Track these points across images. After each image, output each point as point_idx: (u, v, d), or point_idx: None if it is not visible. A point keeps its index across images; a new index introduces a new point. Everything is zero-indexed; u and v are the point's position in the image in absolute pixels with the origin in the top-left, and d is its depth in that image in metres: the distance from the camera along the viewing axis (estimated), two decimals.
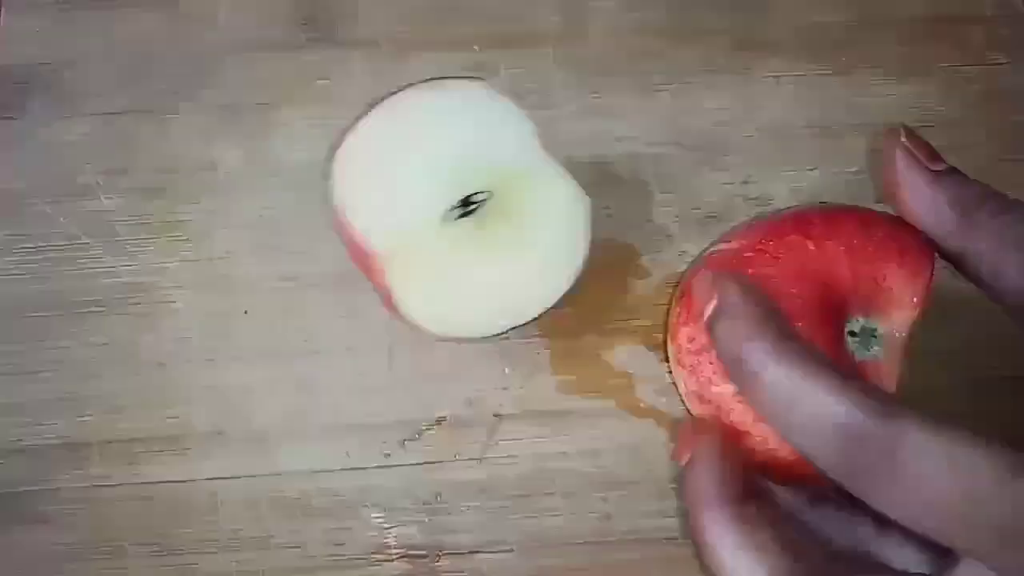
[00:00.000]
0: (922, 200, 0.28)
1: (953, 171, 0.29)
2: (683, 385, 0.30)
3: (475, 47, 0.42)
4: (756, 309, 0.25)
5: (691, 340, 0.29)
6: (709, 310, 0.26)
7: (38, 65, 0.42)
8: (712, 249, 0.31)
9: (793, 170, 0.40)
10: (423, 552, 0.35)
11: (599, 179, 0.40)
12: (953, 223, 0.28)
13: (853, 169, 0.40)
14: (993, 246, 0.28)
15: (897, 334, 0.29)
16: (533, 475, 0.36)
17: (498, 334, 0.34)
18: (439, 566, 0.35)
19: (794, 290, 0.28)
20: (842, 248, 0.29)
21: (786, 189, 0.40)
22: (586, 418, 0.37)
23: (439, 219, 0.33)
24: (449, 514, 0.35)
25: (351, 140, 0.33)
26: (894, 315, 0.29)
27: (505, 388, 0.37)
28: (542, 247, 0.34)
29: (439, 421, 0.37)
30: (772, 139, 0.41)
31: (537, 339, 0.38)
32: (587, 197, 0.34)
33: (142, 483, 0.36)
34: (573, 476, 0.36)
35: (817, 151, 0.41)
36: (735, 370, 0.25)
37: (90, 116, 0.41)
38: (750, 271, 0.29)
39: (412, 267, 0.33)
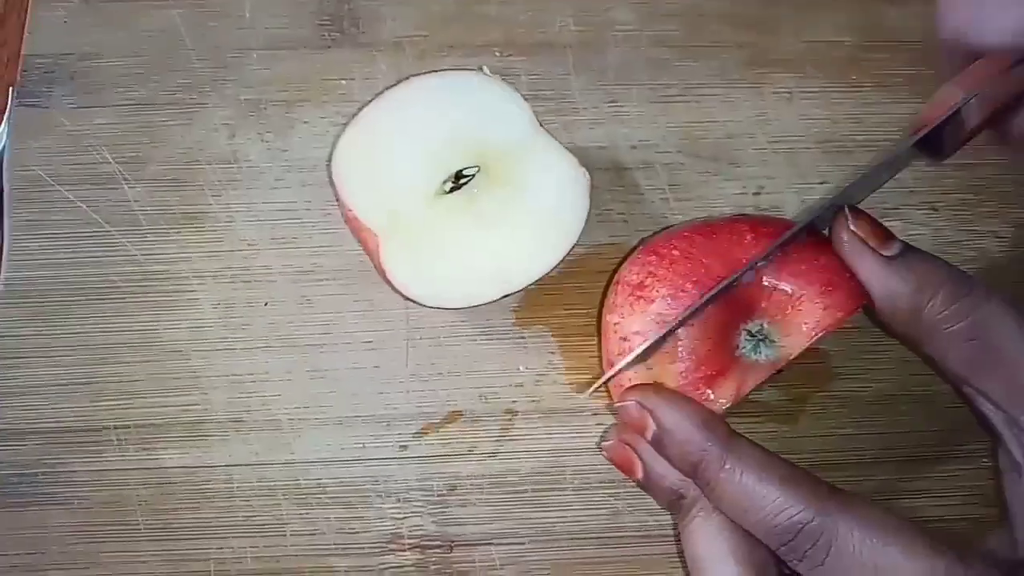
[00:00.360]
0: (875, 284, 0.30)
1: (906, 251, 0.30)
2: (606, 357, 0.33)
3: (496, 52, 0.43)
4: (694, 422, 0.29)
5: (616, 324, 0.33)
6: (649, 435, 0.29)
7: (64, 55, 0.42)
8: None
9: (803, 183, 0.41)
10: (436, 542, 0.35)
11: (614, 185, 0.41)
12: (906, 311, 0.30)
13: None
14: (940, 338, 0.29)
15: (788, 351, 0.30)
16: (545, 470, 0.37)
17: (493, 301, 0.35)
18: (451, 557, 0.35)
19: (707, 262, 0.31)
20: (779, 252, 0.30)
21: (796, 200, 0.41)
22: (598, 415, 0.37)
23: (432, 195, 0.35)
24: (462, 506, 0.36)
25: (352, 128, 0.35)
26: (792, 336, 0.30)
27: (519, 384, 0.38)
28: (534, 218, 0.35)
29: (454, 415, 0.37)
30: (783, 152, 0.42)
31: (552, 338, 0.38)
32: (585, 171, 0.35)
33: (158, 468, 0.36)
34: (584, 472, 0.37)
35: (826, 165, 0.42)
36: (694, 478, 0.29)
37: (115, 107, 0.42)
38: (675, 250, 0.32)
39: (405, 241, 0.34)
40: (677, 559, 0.36)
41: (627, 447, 0.31)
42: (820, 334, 0.30)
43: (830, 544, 0.27)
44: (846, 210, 0.31)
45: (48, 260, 0.39)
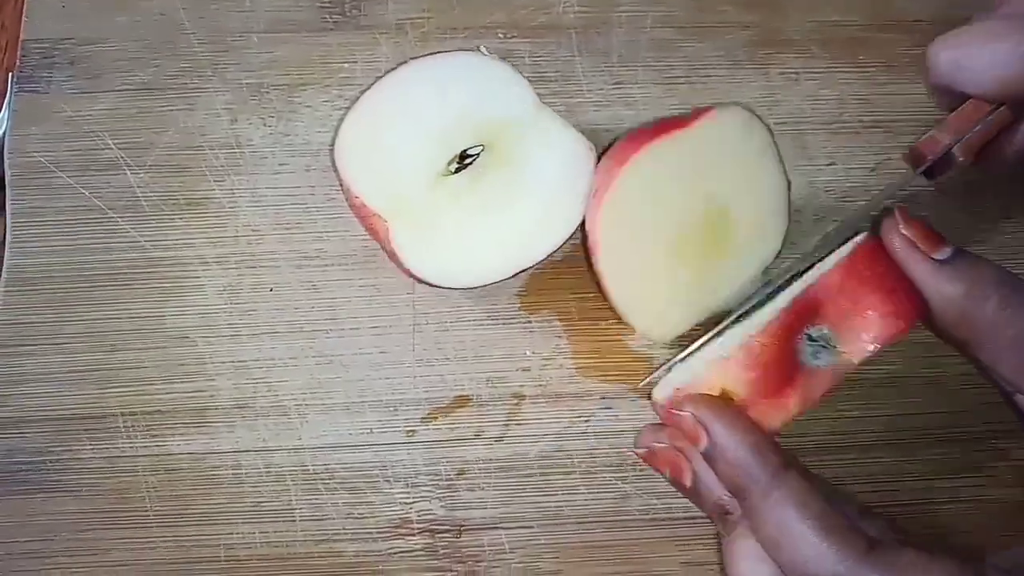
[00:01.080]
0: (927, 288, 0.29)
1: (958, 255, 0.29)
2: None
3: (499, 34, 0.43)
4: (748, 445, 0.28)
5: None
6: (702, 447, 0.28)
7: (64, 40, 0.42)
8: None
9: (811, 165, 0.41)
10: (445, 527, 0.36)
11: None
12: (958, 316, 0.29)
13: (869, 165, 0.41)
14: (992, 344, 0.29)
15: (850, 359, 0.30)
16: (552, 454, 0.37)
17: (505, 279, 0.35)
18: (460, 541, 0.35)
19: None
20: (848, 258, 0.30)
21: (804, 182, 0.41)
22: (605, 400, 0.37)
23: (437, 176, 0.35)
24: (470, 490, 0.36)
25: (353, 113, 0.35)
26: (854, 343, 0.30)
27: (527, 369, 0.38)
28: (541, 193, 0.35)
29: (461, 399, 0.37)
30: (790, 134, 0.42)
31: (559, 323, 0.38)
32: (591, 144, 0.35)
33: (166, 454, 0.36)
34: (591, 456, 0.37)
35: (834, 147, 0.41)
36: (739, 501, 0.28)
37: (116, 91, 0.41)
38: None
39: (413, 223, 0.34)
40: (683, 542, 0.36)
41: (679, 453, 0.30)
42: (882, 344, 0.30)
43: None
44: (896, 213, 0.30)
45: (51, 247, 0.39)
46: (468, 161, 0.35)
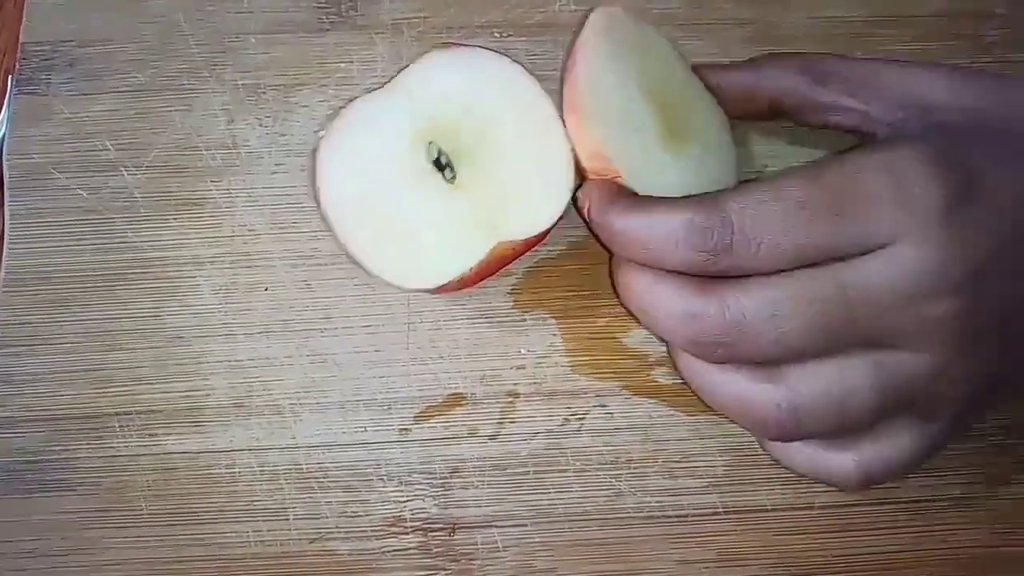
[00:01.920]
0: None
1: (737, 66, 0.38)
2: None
3: (496, 33, 0.43)
4: (610, 188, 0.32)
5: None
6: (586, 207, 0.33)
7: (63, 42, 0.42)
8: None
9: (807, 161, 0.41)
10: (438, 525, 0.36)
11: None
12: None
13: None
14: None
15: None
16: (546, 452, 0.37)
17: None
18: (454, 539, 0.35)
19: None
20: None
21: None
22: (599, 397, 0.37)
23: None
24: (464, 489, 0.36)
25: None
26: None
27: (521, 367, 0.38)
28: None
29: (455, 398, 0.37)
30: (787, 131, 0.41)
31: (553, 321, 0.38)
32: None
33: (161, 453, 0.36)
34: (585, 454, 0.37)
35: (833, 143, 0.41)
36: (603, 234, 0.32)
37: (113, 93, 0.42)
38: None
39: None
40: (678, 539, 0.36)
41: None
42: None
43: (729, 218, 0.29)
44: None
45: (49, 248, 0.39)
46: (445, 163, 0.36)
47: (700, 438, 0.37)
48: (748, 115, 0.37)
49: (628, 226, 0.31)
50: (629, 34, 0.36)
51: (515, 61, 0.37)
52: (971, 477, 0.37)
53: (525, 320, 0.38)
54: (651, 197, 0.32)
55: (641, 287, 0.31)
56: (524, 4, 0.43)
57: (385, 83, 0.37)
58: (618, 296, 0.33)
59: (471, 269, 0.34)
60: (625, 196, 0.32)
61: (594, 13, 0.36)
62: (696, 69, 0.37)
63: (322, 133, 0.36)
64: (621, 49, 0.35)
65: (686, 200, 0.30)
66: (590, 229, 0.33)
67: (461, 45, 0.37)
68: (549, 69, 0.42)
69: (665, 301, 0.30)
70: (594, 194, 0.33)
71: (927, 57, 0.42)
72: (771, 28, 0.43)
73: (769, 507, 0.36)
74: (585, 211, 0.33)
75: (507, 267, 0.38)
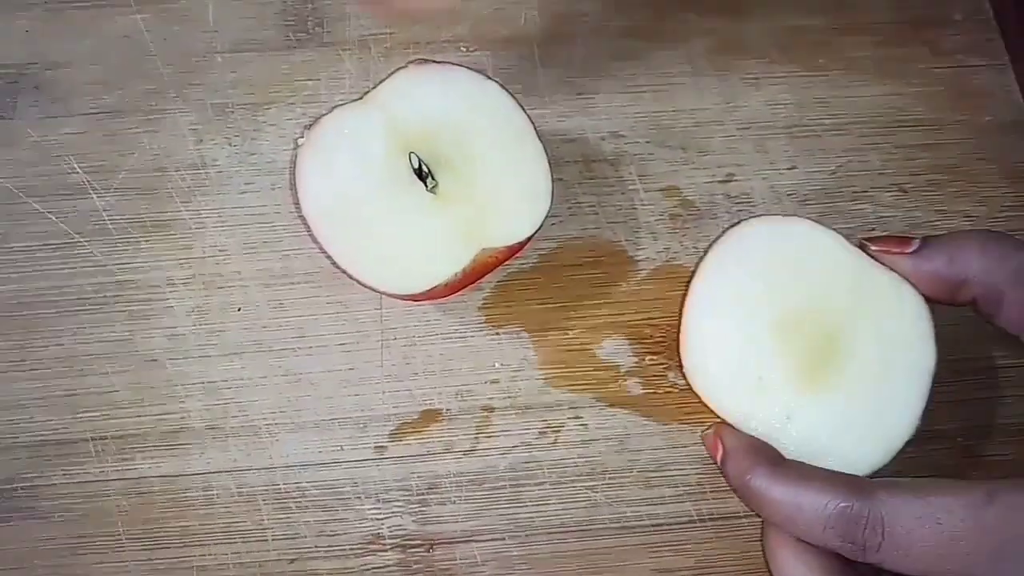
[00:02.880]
0: (914, 276, 0.33)
1: (927, 239, 0.33)
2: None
3: (462, 47, 0.43)
4: (750, 445, 0.32)
5: None
6: (719, 456, 0.32)
7: (28, 65, 0.42)
8: None
9: (772, 169, 0.42)
10: (417, 542, 0.36)
11: (584, 178, 0.41)
12: (952, 284, 0.32)
13: (830, 168, 0.41)
14: (992, 291, 0.32)
15: None
16: (523, 466, 0.37)
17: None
18: (432, 555, 0.36)
19: None
20: None
21: (766, 187, 0.41)
22: (574, 410, 0.38)
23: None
24: (441, 504, 0.36)
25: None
26: None
27: (495, 381, 0.38)
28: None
29: (430, 414, 0.37)
30: (752, 139, 0.42)
31: (526, 335, 0.39)
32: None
33: (137, 477, 0.36)
34: (561, 466, 0.37)
35: (795, 150, 0.42)
36: (744, 496, 0.31)
37: (80, 115, 0.41)
38: None
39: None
40: (654, 549, 0.36)
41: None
42: None
43: (880, 518, 0.28)
44: (865, 243, 0.34)
45: (19, 273, 0.39)
46: (426, 173, 0.36)
47: (674, 447, 0.37)
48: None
49: (773, 498, 0.30)
50: (766, 251, 0.34)
51: (489, 77, 0.37)
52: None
53: (498, 334, 0.38)
54: (798, 466, 0.31)
55: (786, 559, 0.31)
56: (490, 18, 0.44)
57: (355, 99, 0.37)
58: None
59: (455, 275, 0.35)
60: (767, 458, 0.31)
61: (716, 248, 0.34)
62: (879, 255, 0.33)
63: (301, 140, 0.36)
64: (742, 278, 0.33)
65: (836, 481, 0.29)
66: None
67: (434, 61, 0.37)
68: (515, 82, 0.42)
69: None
70: (731, 449, 0.32)
71: (885, 63, 0.43)
72: (733, 38, 0.44)
73: (743, 514, 0.37)
74: (717, 460, 0.32)
75: (484, 277, 0.38)
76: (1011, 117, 0.43)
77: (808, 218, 0.34)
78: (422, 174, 0.36)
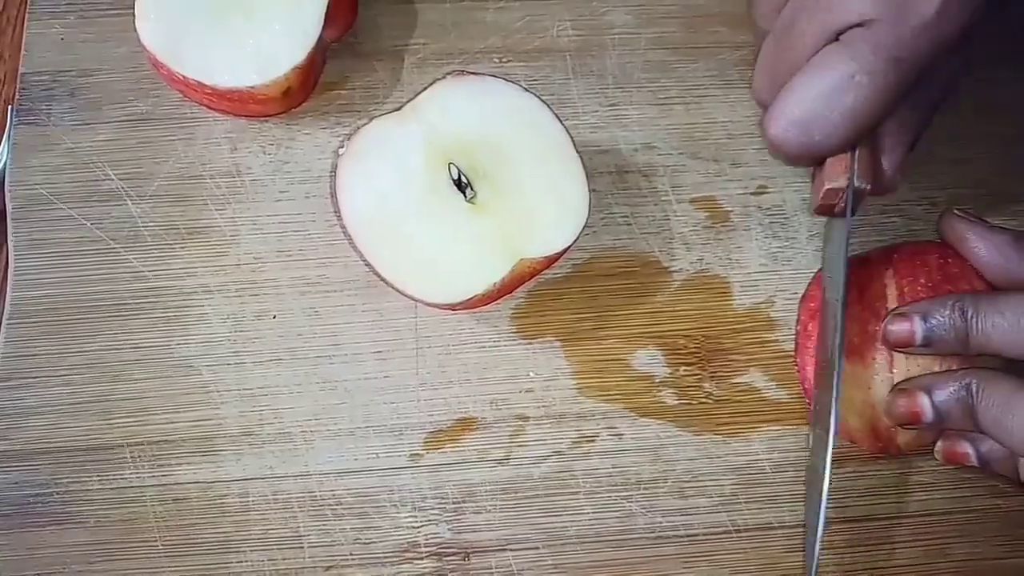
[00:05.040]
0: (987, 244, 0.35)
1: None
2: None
3: (495, 59, 0.43)
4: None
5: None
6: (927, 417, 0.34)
7: (63, 72, 0.42)
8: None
9: (804, 181, 0.42)
10: (452, 550, 0.36)
11: (617, 189, 0.41)
12: (1013, 257, 0.34)
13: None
14: None
15: None
16: (557, 475, 0.37)
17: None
18: (468, 564, 0.36)
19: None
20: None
21: (798, 199, 0.41)
22: (608, 419, 0.38)
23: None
24: (477, 513, 0.36)
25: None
26: None
27: (530, 390, 0.38)
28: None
29: (465, 422, 0.37)
30: None
31: (560, 344, 0.39)
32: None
33: (173, 484, 0.36)
34: (595, 475, 0.37)
35: None
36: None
37: (115, 122, 0.42)
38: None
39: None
40: (689, 559, 0.36)
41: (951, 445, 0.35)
42: None
43: None
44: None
45: (54, 279, 0.39)
46: (464, 181, 0.36)
47: (708, 458, 0.37)
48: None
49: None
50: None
51: (526, 89, 0.37)
52: (971, 491, 0.38)
53: (532, 344, 0.39)
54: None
55: None
56: (522, 29, 0.44)
57: (389, 109, 0.37)
58: None
59: (495, 285, 0.35)
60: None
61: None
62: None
63: (342, 150, 0.36)
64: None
65: None
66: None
67: (472, 73, 0.37)
68: (547, 93, 0.42)
69: None
70: None
71: None
72: None
73: (776, 525, 0.37)
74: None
75: (520, 287, 0.38)
76: None
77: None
78: (461, 185, 0.36)
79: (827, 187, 0.33)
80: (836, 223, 0.36)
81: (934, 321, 0.33)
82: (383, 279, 0.35)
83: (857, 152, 0.33)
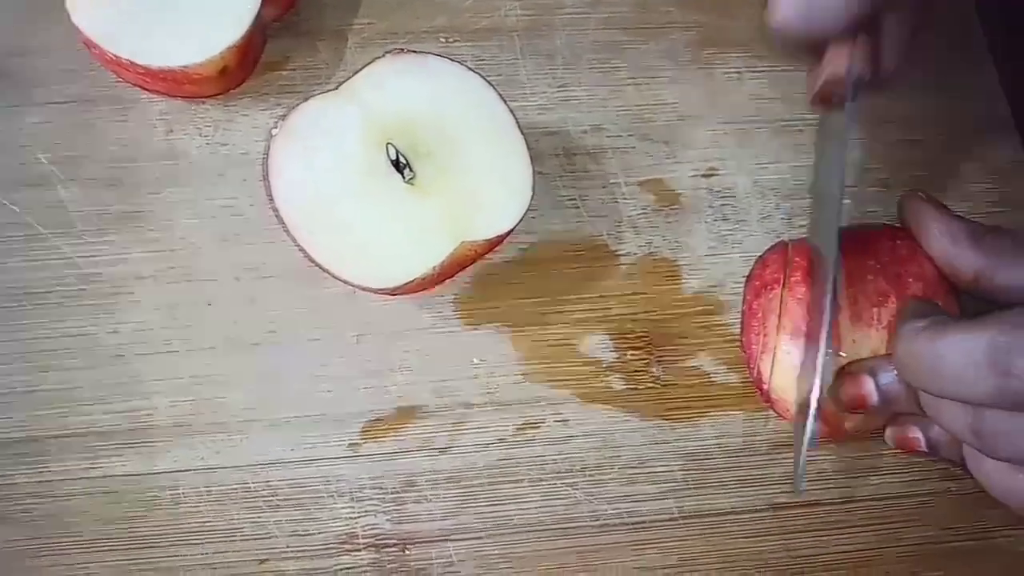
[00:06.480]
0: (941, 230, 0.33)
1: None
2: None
3: (441, 38, 0.42)
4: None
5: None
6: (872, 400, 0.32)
7: None
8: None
9: (756, 163, 0.41)
10: (391, 541, 0.35)
11: (565, 171, 0.40)
12: (966, 246, 0.33)
13: (812, 163, 0.41)
14: (994, 263, 0.32)
15: None
16: (501, 463, 0.36)
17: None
18: (407, 555, 0.35)
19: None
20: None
21: (749, 182, 0.41)
22: (553, 405, 0.37)
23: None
24: (417, 503, 0.35)
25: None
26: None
27: (474, 377, 0.37)
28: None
29: (407, 410, 0.36)
30: (735, 133, 0.41)
31: (506, 329, 0.38)
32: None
33: (102, 476, 0.35)
34: (541, 463, 0.36)
35: (779, 145, 0.41)
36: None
37: (46, 105, 0.40)
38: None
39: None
40: (636, 547, 0.36)
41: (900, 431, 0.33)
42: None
43: None
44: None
45: None
46: (401, 161, 0.35)
47: (656, 443, 0.37)
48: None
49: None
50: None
51: (470, 68, 0.36)
52: (922, 475, 0.37)
53: (477, 330, 0.38)
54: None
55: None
56: (470, 9, 0.43)
57: (331, 88, 0.36)
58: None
59: (434, 269, 0.34)
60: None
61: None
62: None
63: (275, 131, 0.35)
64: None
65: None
66: None
67: (412, 51, 0.36)
68: (495, 74, 0.41)
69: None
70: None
71: None
72: (717, 32, 0.43)
73: (727, 510, 0.36)
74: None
75: (463, 271, 0.37)
76: (994, 113, 0.43)
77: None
78: (399, 165, 0.35)
79: (828, 72, 0.32)
80: (831, 126, 0.35)
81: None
82: (318, 264, 0.34)
83: (858, 40, 0.31)
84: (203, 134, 0.40)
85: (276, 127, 0.35)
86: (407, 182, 0.35)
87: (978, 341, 0.26)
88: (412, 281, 0.34)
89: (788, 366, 0.34)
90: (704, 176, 0.41)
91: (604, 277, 0.39)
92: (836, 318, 0.34)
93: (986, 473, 0.30)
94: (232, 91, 0.40)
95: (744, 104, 0.42)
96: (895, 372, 0.32)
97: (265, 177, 0.35)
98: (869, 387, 0.32)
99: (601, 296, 0.39)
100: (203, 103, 0.40)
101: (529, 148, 0.36)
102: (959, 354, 0.27)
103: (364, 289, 0.35)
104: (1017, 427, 0.27)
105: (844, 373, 0.33)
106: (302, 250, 0.34)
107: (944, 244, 0.34)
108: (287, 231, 0.34)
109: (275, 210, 0.35)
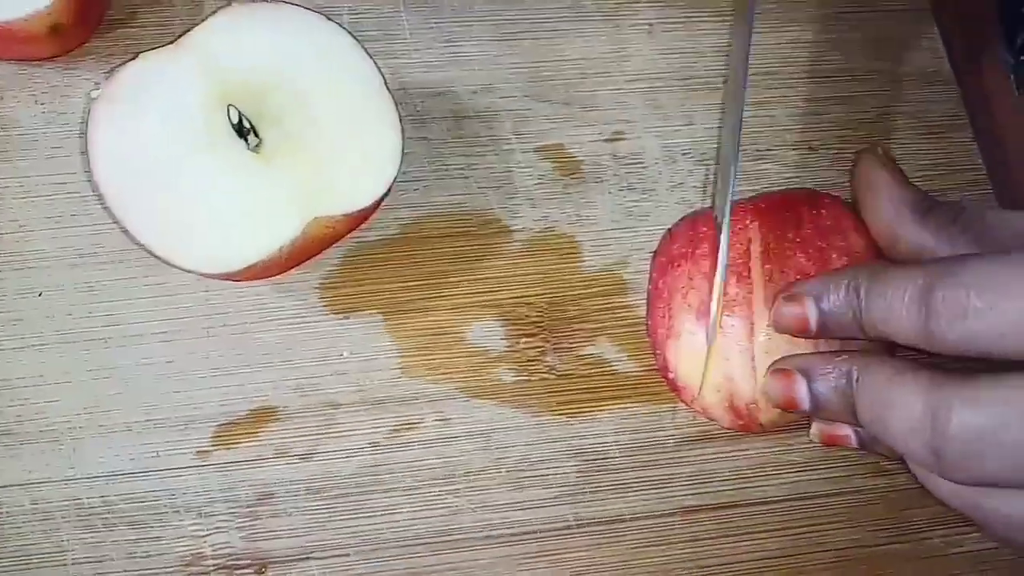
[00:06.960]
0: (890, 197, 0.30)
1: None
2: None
3: None
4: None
5: None
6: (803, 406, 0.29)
7: None
8: None
9: (667, 125, 0.37)
10: (245, 561, 0.31)
11: (452, 137, 0.36)
12: (909, 219, 0.30)
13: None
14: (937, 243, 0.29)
15: None
16: (372, 470, 0.32)
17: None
18: None
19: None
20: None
21: (658, 145, 0.37)
22: (434, 403, 0.33)
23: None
24: (275, 517, 0.31)
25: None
26: None
27: (343, 373, 0.33)
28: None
29: (264, 412, 0.32)
30: (643, 92, 0.37)
31: (380, 318, 0.34)
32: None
33: None
34: (417, 469, 0.32)
35: (691, 105, 0.38)
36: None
37: None
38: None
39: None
40: (525, 559, 0.32)
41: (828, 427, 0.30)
42: None
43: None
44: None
45: None
46: (247, 130, 0.31)
47: (548, 442, 0.33)
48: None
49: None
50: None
51: (331, 19, 0.32)
52: (849, 471, 0.34)
53: (347, 319, 0.34)
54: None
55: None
56: None
57: (168, 43, 0.31)
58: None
59: (282, 250, 0.30)
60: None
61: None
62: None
63: (95, 93, 0.30)
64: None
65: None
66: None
67: (264, 0, 0.32)
68: (375, 28, 0.37)
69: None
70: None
71: (789, 8, 0.39)
72: None
73: (628, 516, 0.33)
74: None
75: (326, 251, 0.33)
76: (932, 67, 0.39)
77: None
78: (242, 130, 0.31)
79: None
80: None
81: (827, 304, 0.28)
82: (143, 247, 0.30)
83: None
84: (39, 101, 0.35)
85: (97, 88, 0.30)
86: (251, 150, 0.31)
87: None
88: (255, 265, 0.29)
89: (694, 349, 0.31)
90: (608, 141, 0.37)
91: (495, 256, 0.35)
92: (750, 294, 0.30)
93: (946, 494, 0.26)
94: (72, 52, 0.36)
95: (654, 59, 0.38)
96: (830, 376, 0.28)
97: (85, 148, 0.30)
98: (801, 392, 0.28)
99: (491, 277, 0.35)
100: (39, 66, 0.36)
101: (411, 112, 0.32)
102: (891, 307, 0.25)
103: (200, 275, 0.30)
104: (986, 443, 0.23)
105: (775, 369, 0.29)
106: (124, 231, 0.30)
107: (889, 214, 0.30)
108: (107, 209, 0.30)
109: (94, 185, 0.30)
